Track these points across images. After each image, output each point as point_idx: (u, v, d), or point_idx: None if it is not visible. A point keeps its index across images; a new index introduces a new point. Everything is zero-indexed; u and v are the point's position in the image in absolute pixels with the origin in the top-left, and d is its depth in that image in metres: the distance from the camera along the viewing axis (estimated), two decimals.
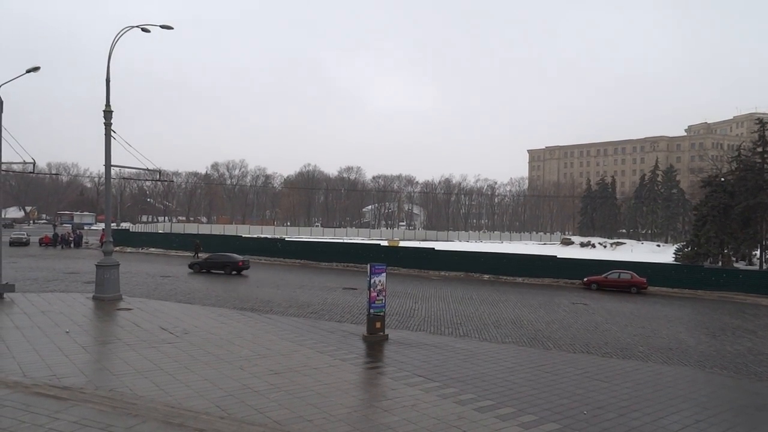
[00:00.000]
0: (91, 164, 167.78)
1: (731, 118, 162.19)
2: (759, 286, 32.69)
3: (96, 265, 20.38)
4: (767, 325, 22.21)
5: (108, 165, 20.60)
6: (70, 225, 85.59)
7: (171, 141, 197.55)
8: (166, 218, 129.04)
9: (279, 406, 8.83)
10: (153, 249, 52.78)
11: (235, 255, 35.07)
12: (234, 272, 33.19)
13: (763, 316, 24.93)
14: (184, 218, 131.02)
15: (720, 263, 51.49)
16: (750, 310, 27.22)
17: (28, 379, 9.65)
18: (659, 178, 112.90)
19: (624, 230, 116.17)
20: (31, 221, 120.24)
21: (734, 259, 53.32)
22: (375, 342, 14.32)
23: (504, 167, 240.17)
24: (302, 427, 7.94)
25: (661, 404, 10.14)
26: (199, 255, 44.78)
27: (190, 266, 34.10)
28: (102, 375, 10.36)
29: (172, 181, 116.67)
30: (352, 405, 9.19)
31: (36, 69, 21.03)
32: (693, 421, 9.24)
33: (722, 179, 54.87)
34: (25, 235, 55.23)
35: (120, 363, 11.17)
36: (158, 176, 34.87)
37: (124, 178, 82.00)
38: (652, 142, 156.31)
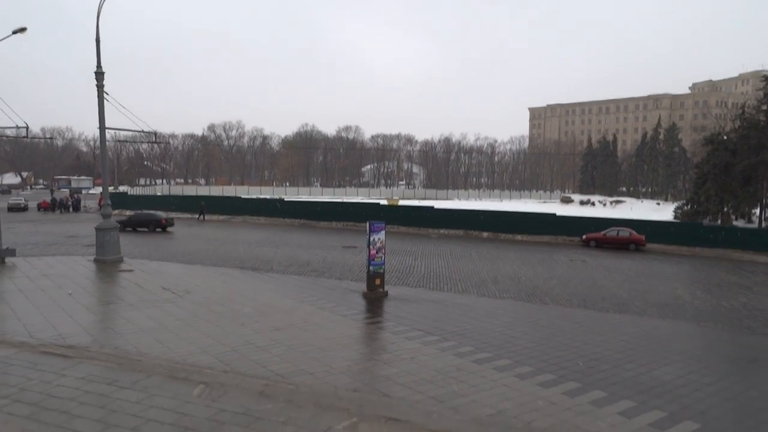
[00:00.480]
0: (86, 128, 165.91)
1: (736, 75, 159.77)
2: (757, 244, 32.90)
3: (95, 229, 20.44)
4: (763, 282, 22.47)
5: (102, 128, 20.41)
6: (67, 189, 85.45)
7: (166, 103, 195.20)
8: (164, 181, 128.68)
9: (281, 360, 9.02)
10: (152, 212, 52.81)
11: (158, 213, 37.52)
12: (158, 229, 34.70)
13: (760, 273, 25.20)
14: (182, 180, 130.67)
15: (719, 221, 51.67)
16: (747, 267, 27.49)
17: (34, 339, 9.81)
18: (661, 137, 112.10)
19: (624, 189, 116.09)
20: (29, 187, 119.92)
21: (734, 217, 53.46)
22: (375, 298, 14.51)
23: (504, 126, 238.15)
24: (304, 380, 8.12)
25: (655, 356, 10.36)
26: (205, 216, 45.26)
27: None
28: (106, 334, 10.54)
29: (168, 143, 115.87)
30: (352, 358, 9.39)
31: (22, 30, 20.57)
32: (686, 372, 9.45)
33: (725, 137, 54.45)
34: (23, 201, 55.12)
35: (123, 322, 11.35)
36: (154, 138, 34.62)
37: (119, 141, 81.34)
38: (656, 100, 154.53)
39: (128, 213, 42.29)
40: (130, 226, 34.85)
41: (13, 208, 51.63)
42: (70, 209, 53.11)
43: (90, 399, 6.89)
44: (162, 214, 36.11)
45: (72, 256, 21.14)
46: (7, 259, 19.32)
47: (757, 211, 52.99)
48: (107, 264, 19.19)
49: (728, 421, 7.37)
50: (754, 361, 10.88)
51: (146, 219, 35.31)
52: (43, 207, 53.57)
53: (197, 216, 46.10)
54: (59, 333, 10.25)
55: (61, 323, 11.00)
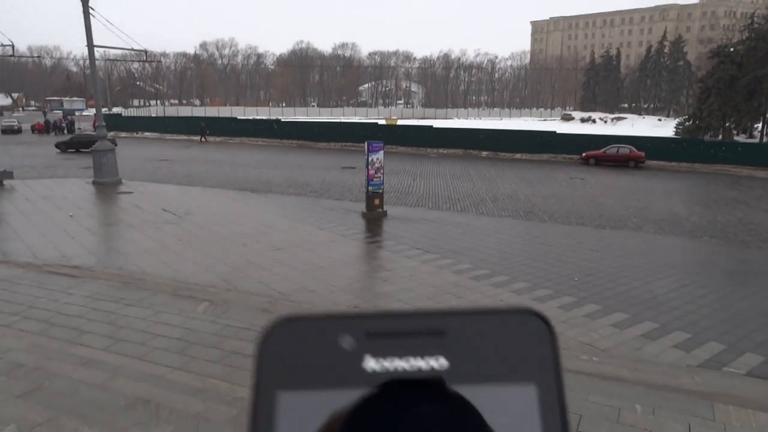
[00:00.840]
0: (75, 47, 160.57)
1: None
2: (757, 159, 32.78)
3: (91, 151, 20.25)
4: (760, 196, 22.58)
5: (90, 46, 19.71)
6: (60, 111, 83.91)
7: (156, 21, 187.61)
8: (158, 102, 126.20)
9: (282, 279, 9.20)
10: (148, 133, 52.17)
11: (102, 132, 38.07)
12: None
13: (758, 188, 25.27)
14: (176, 101, 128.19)
15: (720, 137, 51.20)
16: (745, 182, 27.53)
17: (39, 260, 9.95)
18: (666, 50, 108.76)
19: (626, 105, 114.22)
20: (20, 108, 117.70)
21: (735, 132, 52.93)
22: (374, 218, 14.62)
23: (505, 41, 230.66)
24: (306, 297, 8.33)
25: (650, 271, 10.57)
26: (206, 138, 44.69)
27: (57, 146, 35.07)
28: (110, 255, 10.69)
29: (160, 61, 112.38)
30: (353, 276, 9.58)
31: None
32: (680, 285, 9.68)
33: (731, 49, 52.77)
34: (17, 123, 54.25)
35: (126, 243, 11.48)
36: (144, 57, 33.54)
37: (109, 60, 79.07)
38: (662, 11, 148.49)
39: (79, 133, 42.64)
40: (73, 147, 34.53)
41: (7, 131, 50.90)
42: (65, 131, 52.43)
43: (98, 316, 7.08)
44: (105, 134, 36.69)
45: (70, 179, 21.09)
46: (5, 182, 19.27)
47: (760, 125, 52.39)
48: (106, 186, 19.17)
49: (718, 331, 7.62)
50: (748, 273, 11.13)
51: (89, 140, 34.36)
52: (37, 129, 52.79)
53: (199, 138, 45.39)
54: (63, 254, 10.39)
55: (64, 244, 11.13)
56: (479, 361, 0.27)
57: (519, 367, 0.27)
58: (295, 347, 0.28)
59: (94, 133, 36.29)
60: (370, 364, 0.28)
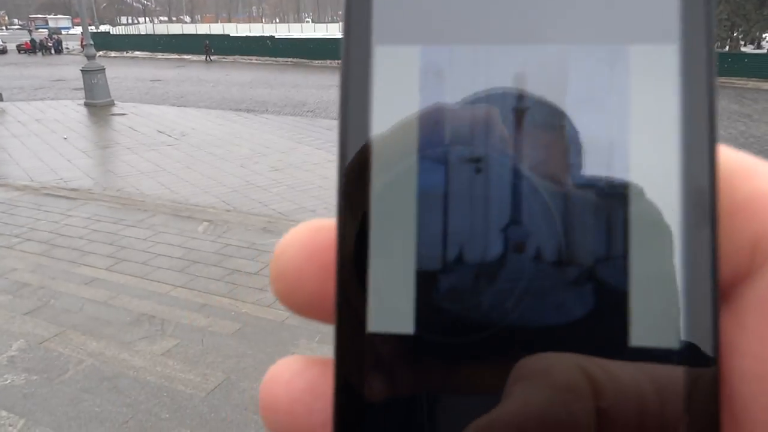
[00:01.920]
0: None
1: None
2: (763, 70, 31.95)
3: (81, 71, 19.67)
4: (764, 109, 22.21)
5: None
6: (45, 30, 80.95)
7: None
8: (147, 19, 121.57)
9: (282, 199, 9.22)
10: (138, 52, 50.65)
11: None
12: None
13: (762, 101, 24.81)
14: (165, 18, 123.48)
15: (727, 48, 49.69)
16: (750, 94, 26.99)
17: (36, 183, 9.91)
18: None
19: None
20: (4, 27, 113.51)
21: (742, 43, 51.28)
22: None
23: None
24: (305, 217, 8.32)
25: None
26: (211, 58, 43.37)
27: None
28: (107, 177, 10.65)
29: None
30: None
31: None
32: None
33: None
34: (1, 42, 52.54)
35: (123, 165, 11.40)
36: None
37: None
38: None
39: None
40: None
41: None
42: (53, 51, 50.86)
43: (98, 237, 7.14)
44: None
45: (61, 101, 20.65)
46: None
47: None
48: (98, 108, 18.78)
49: None
50: None
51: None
52: (24, 48, 51.18)
53: (204, 57, 43.86)
54: (60, 177, 10.34)
55: (61, 167, 11.06)
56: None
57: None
58: None
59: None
60: None
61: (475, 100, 0.22)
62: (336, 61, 40.76)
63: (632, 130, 0.21)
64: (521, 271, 0.22)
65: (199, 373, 4.13)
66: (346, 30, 0.23)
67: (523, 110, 0.22)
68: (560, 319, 0.21)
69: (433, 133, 0.22)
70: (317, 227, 0.25)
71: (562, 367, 0.21)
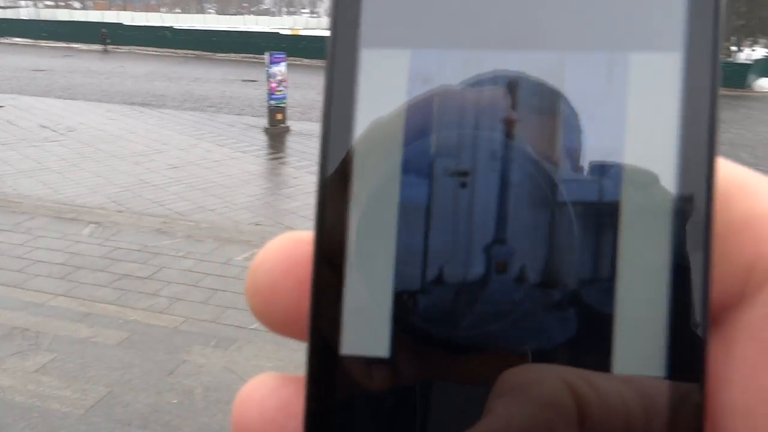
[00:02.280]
0: None
1: None
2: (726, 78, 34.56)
3: None
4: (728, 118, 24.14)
5: None
6: None
7: None
8: (31, 2, 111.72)
9: (179, 198, 8.81)
10: (18, 39, 46.40)
11: None
12: None
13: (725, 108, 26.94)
14: (52, 3, 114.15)
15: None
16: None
17: None
18: None
19: None
20: None
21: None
22: (276, 134, 14.16)
23: None
24: (204, 216, 8.05)
25: None
26: (107, 48, 40.32)
27: None
28: None
29: None
30: (254, 194, 9.35)
31: None
32: None
33: None
34: None
35: None
36: None
37: None
38: None
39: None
40: None
41: None
42: None
43: None
44: None
45: None
46: None
47: None
48: None
49: None
50: None
51: None
52: None
53: (102, 47, 40.63)
54: None
55: None
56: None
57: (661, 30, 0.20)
58: None
59: None
60: None
61: (464, 108, 0.21)
62: (242, 55, 39.59)
63: (627, 143, 0.20)
64: (503, 292, 0.21)
65: (78, 389, 3.84)
66: (333, 32, 0.22)
67: (514, 120, 0.21)
68: (543, 342, 0.20)
69: (419, 144, 0.21)
70: (297, 239, 0.23)
71: (546, 381, 0.20)
